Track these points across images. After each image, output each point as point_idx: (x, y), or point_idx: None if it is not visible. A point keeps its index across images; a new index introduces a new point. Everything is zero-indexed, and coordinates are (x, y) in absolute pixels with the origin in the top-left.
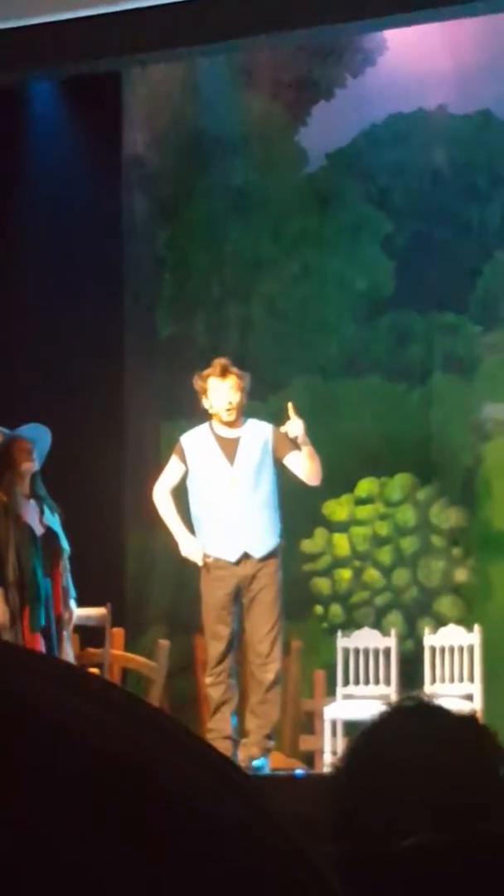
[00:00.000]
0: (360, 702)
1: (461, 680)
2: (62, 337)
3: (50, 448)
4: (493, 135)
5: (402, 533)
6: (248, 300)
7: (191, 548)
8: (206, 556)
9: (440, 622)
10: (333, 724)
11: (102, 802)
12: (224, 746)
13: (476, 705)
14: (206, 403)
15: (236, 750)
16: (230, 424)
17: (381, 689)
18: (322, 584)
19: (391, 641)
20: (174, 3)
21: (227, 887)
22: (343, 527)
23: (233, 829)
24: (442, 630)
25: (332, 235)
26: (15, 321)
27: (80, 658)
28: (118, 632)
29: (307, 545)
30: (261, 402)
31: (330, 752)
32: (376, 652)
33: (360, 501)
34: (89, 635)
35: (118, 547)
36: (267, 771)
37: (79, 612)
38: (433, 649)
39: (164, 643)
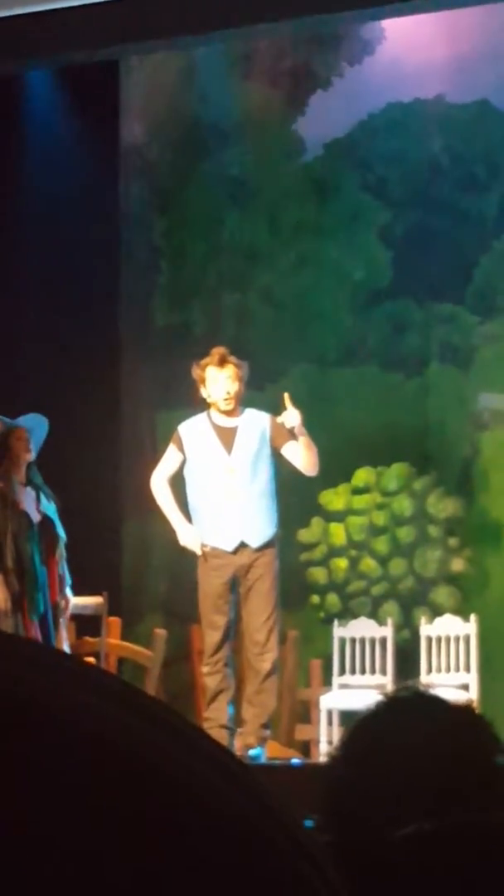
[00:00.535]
0: (357, 691)
1: (457, 670)
2: (59, 326)
3: (47, 437)
4: (491, 124)
5: (399, 523)
6: (245, 290)
7: (189, 537)
8: (203, 545)
9: (436, 612)
10: (329, 713)
11: (99, 791)
12: (220, 735)
13: (472, 695)
14: (205, 393)
15: (233, 739)
16: (228, 414)
17: (378, 678)
18: (318, 574)
19: (387, 631)
20: None
21: (225, 876)
22: (340, 516)
23: (230, 817)
24: (438, 620)
25: (330, 225)
26: (11, 310)
27: (76, 647)
28: (114, 621)
29: (304, 535)
30: (258, 391)
31: (326, 741)
32: (372, 641)
33: (357, 491)
34: (85, 624)
35: (115, 536)
36: (263, 760)
37: (75, 601)
38: (429, 639)
39: (161, 632)
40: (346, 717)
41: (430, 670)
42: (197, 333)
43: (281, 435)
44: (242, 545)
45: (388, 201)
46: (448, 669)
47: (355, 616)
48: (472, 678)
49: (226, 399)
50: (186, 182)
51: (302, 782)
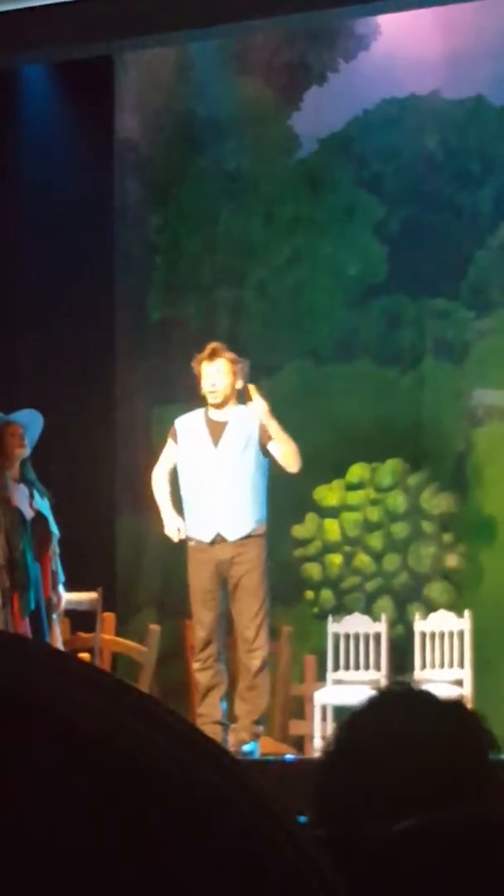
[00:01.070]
0: (351, 687)
1: (451, 665)
2: (54, 320)
3: (41, 432)
4: (485, 120)
5: (393, 518)
6: (240, 284)
7: (169, 526)
8: (188, 538)
9: (430, 608)
10: (323, 709)
11: (95, 788)
12: (214, 731)
13: (466, 690)
14: (201, 388)
15: (226, 735)
16: (219, 407)
17: (372, 674)
18: (313, 570)
19: (381, 627)
20: None
21: (220, 871)
22: (334, 512)
23: (224, 813)
24: (432, 615)
25: (325, 220)
26: (6, 305)
27: (70, 642)
28: (109, 616)
29: (298, 530)
30: (250, 383)
31: (320, 737)
32: (366, 637)
33: (351, 487)
34: (80, 620)
35: (109, 531)
36: (257, 756)
37: (69, 597)
38: (423, 635)
39: (155, 628)
40: (340, 712)
41: (424, 666)
42: (192, 328)
43: (266, 432)
44: (220, 537)
45: (383, 196)
46: (442, 665)
47: (349, 612)
48: (466, 674)
49: (212, 392)
50: (181, 177)
51: (296, 778)
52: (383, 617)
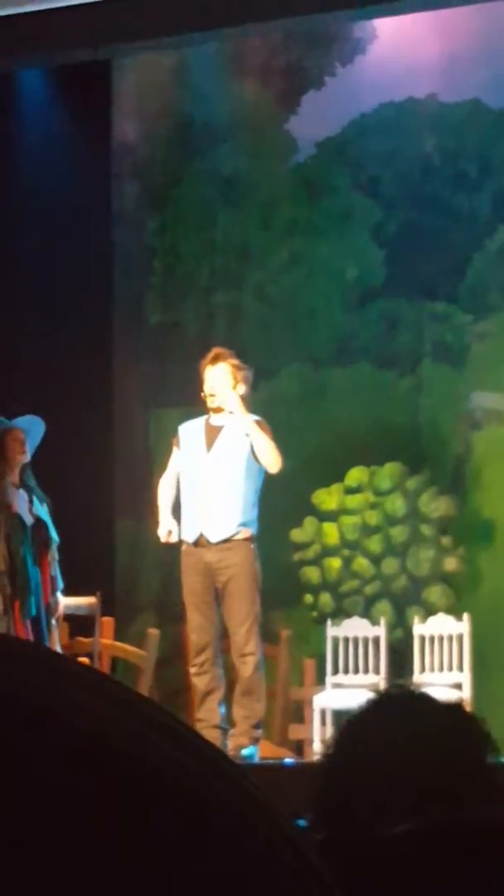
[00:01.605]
0: (350, 691)
1: (450, 669)
2: (51, 325)
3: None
4: (482, 123)
5: (392, 522)
6: (238, 288)
7: (162, 528)
8: (181, 541)
9: (429, 611)
10: (323, 712)
11: (96, 791)
12: (213, 736)
13: (465, 694)
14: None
15: (226, 739)
16: (216, 412)
17: (371, 678)
18: (311, 573)
19: (380, 630)
20: None
21: (214, 871)
22: (332, 516)
23: (220, 814)
24: (431, 619)
25: (322, 224)
26: (4, 309)
27: (69, 647)
28: (108, 621)
29: (297, 534)
30: (251, 389)
31: (319, 741)
32: (365, 641)
33: (350, 490)
34: (79, 624)
35: (108, 536)
36: (256, 760)
37: (68, 601)
38: (422, 638)
39: (154, 632)
40: (340, 716)
41: (423, 669)
42: (190, 332)
43: (255, 435)
44: (202, 538)
45: (381, 200)
46: (441, 668)
47: (348, 615)
48: (465, 677)
49: (210, 396)
50: (179, 181)
51: (295, 782)
52: (382, 620)
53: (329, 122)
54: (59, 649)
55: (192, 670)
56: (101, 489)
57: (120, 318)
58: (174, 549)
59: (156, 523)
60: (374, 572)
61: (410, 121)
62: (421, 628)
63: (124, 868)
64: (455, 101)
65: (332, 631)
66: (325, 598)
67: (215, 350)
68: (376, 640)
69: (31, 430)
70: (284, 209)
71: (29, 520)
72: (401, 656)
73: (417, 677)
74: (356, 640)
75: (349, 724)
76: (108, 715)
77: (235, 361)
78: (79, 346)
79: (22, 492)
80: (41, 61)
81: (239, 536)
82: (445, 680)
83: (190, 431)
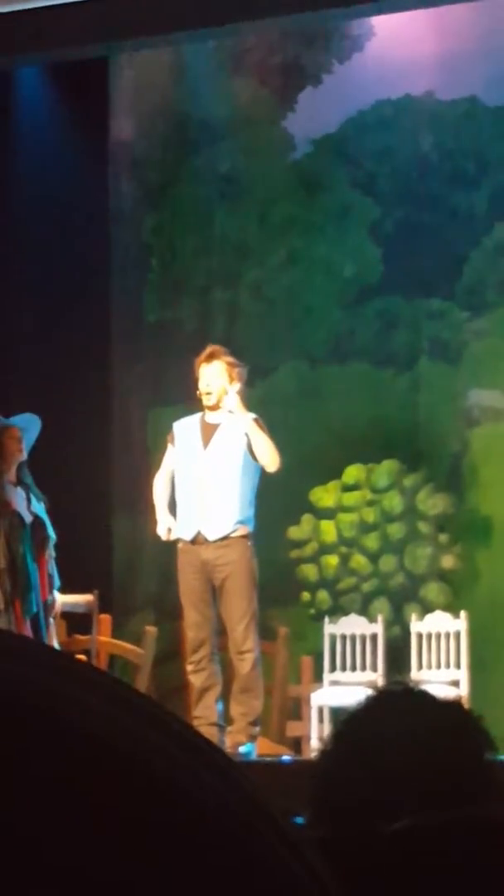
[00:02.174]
0: (347, 688)
1: (447, 666)
2: (49, 323)
3: (37, 436)
4: (480, 120)
5: (389, 519)
6: (235, 286)
7: (161, 526)
8: (178, 539)
9: (427, 608)
10: (320, 710)
11: (88, 784)
12: (211, 733)
13: (462, 691)
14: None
15: (223, 736)
16: (213, 409)
17: (368, 675)
18: (309, 571)
19: (378, 628)
20: None
21: (212, 870)
22: (330, 513)
23: (218, 812)
24: (428, 616)
25: (319, 221)
26: (1, 307)
27: (67, 645)
28: (105, 618)
29: (294, 532)
30: (248, 387)
31: (317, 738)
32: (363, 638)
33: (347, 488)
34: (76, 622)
35: (105, 534)
36: (254, 757)
37: (66, 599)
38: (420, 635)
39: (151, 630)
40: (337, 713)
41: (420, 667)
42: (187, 330)
43: (253, 434)
44: (200, 536)
45: (378, 197)
46: (438, 666)
47: (346, 613)
48: (463, 674)
49: (206, 394)
50: (176, 179)
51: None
52: (380, 618)
53: (326, 119)
54: (56, 646)
55: (189, 667)
56: (99, 487)
57: (117, 315)
58: (172, 546)
59: (153, 521)
60: (372, 570)
61: (407, 118)
62: (418, 625)
63: (123, 867)
64: (452, 99)
65: (329, 628)
66: (323, 596)
67: (210, 348)
68: (374, 638)
69: (28, 428)
70: (282, 207)
71: (28, 517)
72: (398, 653)
73: (415, 674)
74: (353, 638)
75: (347, 722)
76: (107, 712)
77: (230, 359)
78: (76, 344)
79: (20, 490)
80: (39, 59)
81: (236, 534)
82: (443, 677)
83: (185, 429)
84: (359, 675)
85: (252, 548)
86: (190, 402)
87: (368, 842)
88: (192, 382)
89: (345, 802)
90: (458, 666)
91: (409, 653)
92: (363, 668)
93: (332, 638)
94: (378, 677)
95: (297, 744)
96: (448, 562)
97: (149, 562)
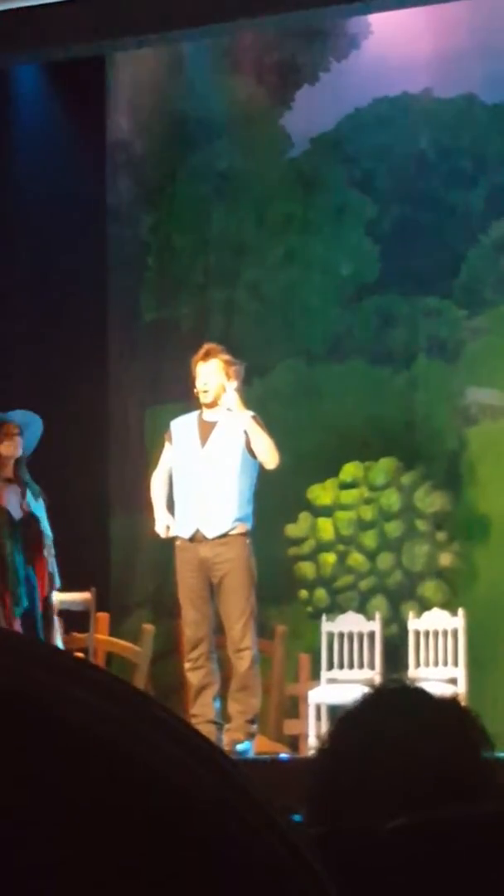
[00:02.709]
0: (345, 686)
1: (445, 664)
2: (46, 321)
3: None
4: (477, 118)
5: (387, 517)
6: (233, 284)
7: (159, 523)
8: (176, 537)
9: (424, 606)
10: (318, 708)
11: (85, 781)
12: (208, 731)
13: (460, 689)
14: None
15: (220, 734)
16: (210, 407)
17: (366, 673)
18: (306, 569)
19: (375, 626)
20: None
21: (209, 867)
22: (327, 511)
23: (213, 808)
24: (426, 614)
25: (317, 219)
26: None
27: (64, 643)
28: (103, 616)
29: (292, 529)
30: (245, 385)
31: (314, 736)
32: (361, 636)
33: (345, 486)
34: (74, 620)
35: (103, 532)
36: (251, 755)
37: (64, 597)
38: (417, 633)
39: (149, 627)
40: (335, 711)
41: (418, 665)
42: (184, 328)
43: (252, 432)
44: (199, 534)
45: (375, 196)
46: (436, 664)
47: (343, 611)
48: (460, 672)
49: (204, 392)
50: (173, 177)
51: (290, 777)
52: (377, 616)
53: (323, 117)
54: (60, 645)
55: (187, 665)
56: (97, 485)
57: (114, 314)
58: (169, 544)
59: (151, 519)
60: (369, 567)
61: (405, 116)
62: (416, 623)
63: (120, 863)
64: (449, 97)
65: (327, 626)
66: (320, 594)
67: (206, 346)
68: (371, 636)
69: (28, 425)
70: (279, 205)
71: (18, 514)
72: (396, 651)
73: (412, 672)
74: (351, 636)
75: (344, 719)
76: (105, 709)
77: (227, 357)
78: (73, 343)
79: (15, 486)
80: (36, 57)
81: (235, 532)
82: (440, 675)
83: (182, 427)
84: (356, 673)
85: (250, 546)
86: (187, 400)
87: (366, 840)
88: (190, 381)
89: (342, 800)
90: (455, 664)
91: (407, 651)
92: (361, 665)
93: (330, 636)
94: (376, 675)
95: (294, 742)
96: (446, 560)
97: (146, 560)
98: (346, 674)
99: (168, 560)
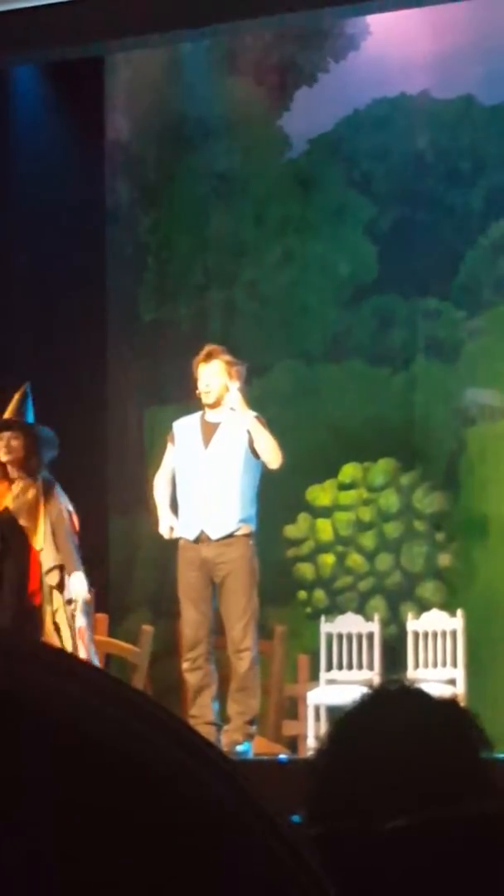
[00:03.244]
0: (344, 687)
1: (444, 664)
2: (45, 322)
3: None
4: (475, 119)
5: (386, 518)
6: (232, 285)
7: (163, 524)
8: (180, 537)
9: (423, 607)
10: (317, 709)
11: (82, 783)
12: (207, 732)
13: (459, 689)
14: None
15: (219, 735)
16: (213, 408)
17: (365, 674)
18: (305, 570)
19: (374, 626)
20: None
21: (208, 868)
22: (326, 512)
23: (214, 810)
24: (425, 615)
25: (315, 220)
26: None
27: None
28: (102, 617)
29: (290, 530)
30: (245, 385)
31: (313, 737)
32: (359, 637)
33: (344, 487)
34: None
35: (102, 533)
36: (250, 756)
37: None
38: (416, 634)
39: (148, 628)
40: (334, 712)
41: (416, 665)
42: (183, 329)
43: (254, 432)
44: (203, 535)
45: (374, 196)
46: (435, 664)
47: (342, 611)
48: (459, 673)
49: (206, 392)
50: (172, 178)
51: (289, 778)
52: (376, 616)
53: (322, 118)
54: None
55: (185, 665)
56: (96, 486)
57: (113, 314)
58: (168, 545)
59: (152, 520)
60: (368, 568)
61: (403, 117)
62: (415, 624)
63: (118, 865)
64: (448, 98)
65: (325, 627)
66: (319, 595)
67: (208, 347)
68: (370, 637)
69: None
70: (277, 206)
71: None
72: (395, 652)
73: (411, 673)
74: (350, 637)
75: (343, 720)
76: (104, 711)
77: (228, 357)
78: (73, 343)
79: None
80: (34, 58)
81: (239, 532)
82: (439, 676)
83: (185, 428)
84: (355, 674)
85: (253, 546)
86: (187, 400)
87: (365, 840)
88: (190, 381)
89: (341, 801)
90: (454, 664)
91: (406, 651)
92: (360, 666)
93: (329, 637)
94: (374, 676)
95: (293, 743)
96: (444, 560)
97: (145, 560)
98: (344, 675)
99: (167, 561)
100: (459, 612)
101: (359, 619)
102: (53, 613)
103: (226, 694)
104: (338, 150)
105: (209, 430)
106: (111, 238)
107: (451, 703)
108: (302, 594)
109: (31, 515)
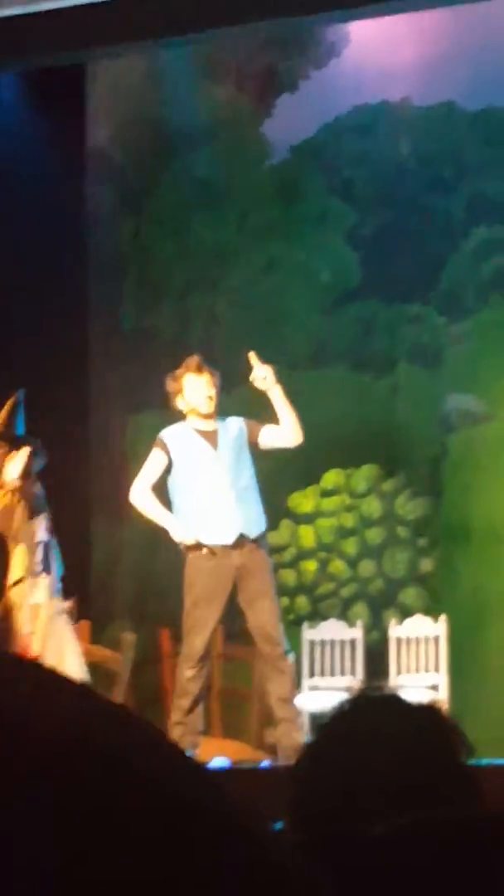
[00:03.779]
0: (327, 693)
1: (427, 670)
2: (26, 330)
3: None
4: (456, 126)
5: (368, 524)
6: (213, 292)
7: (182, 531)
8: (201, 545)
9: (406, 613)
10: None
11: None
12: (194, 741)
13: (441, 695)
14: (181, 403)
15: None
16: (206, 418)
17: (347, 680)
18: (288, 576)
19: (357, 633)
20: None
21: (196, 873)
22: (308, 518)
23: (200, 818)
24: (407, 621)
25: (297, 227)
26: None
27: None
28: (83, 624)
29: (273, 537)
30: (226, 394)
31: None
32: (342, 643)
33: (326, 493)
34: None
35: (84, 540)
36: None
37: None
38: (399, 640)
39: (130, 636)
40: (317, 718)
41: (399, 671)
42: (165, 336)
43: (254, 428)
44: (242, 537)
45: (356, 203)
46: (417, 670)
47: (325, 618)
48: (442, 679)
49: (209, 401)
50: (154, 185)
51: (272, 785)
52: (359, 623)
53: (303, 125)
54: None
55: (190, 673)
56: (78, 493)
57: (95, 322)
58: (151, 552)
59: (132, 527)
60: (351, 575)
61: (385, 124)
62: (397, 630)
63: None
64: (429, 104)
65: (308, 633)
66: (302, 601)
67: (195, 358)
68: (353, 643)
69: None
70: (259, 212)
71: None
72: (377, 658)
73: (394, 679)
74: (333, 643)
75: (323, 727)
76: (82, 718)
77: (209, 368)
78: (54, 351)
79: None
80: (14, 66)
81: (266, 531)
82: (422, 682)
83: (182, 437)
84: (338, 680)
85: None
86: (169, 408)
87: (347, 846)
88: (175, 392)
89: (323, 807)
90: (437, 670)
91: (389, 658)
92: (342, 673)
93: (312, 643)
94: (357, 682)
95: (275, 750)
96: (427, 566)
97: (127, 568)
98: (327, 681)
99: (149, 568)
100: (442, 617)
101: (341, 625)
102: (29, 620)
103: (210, 702)
104: (320, 156)
105: (210, 436)
106: (92, 245)
107: (429, 708)
108: (284, 601)
109: (8, 525)
